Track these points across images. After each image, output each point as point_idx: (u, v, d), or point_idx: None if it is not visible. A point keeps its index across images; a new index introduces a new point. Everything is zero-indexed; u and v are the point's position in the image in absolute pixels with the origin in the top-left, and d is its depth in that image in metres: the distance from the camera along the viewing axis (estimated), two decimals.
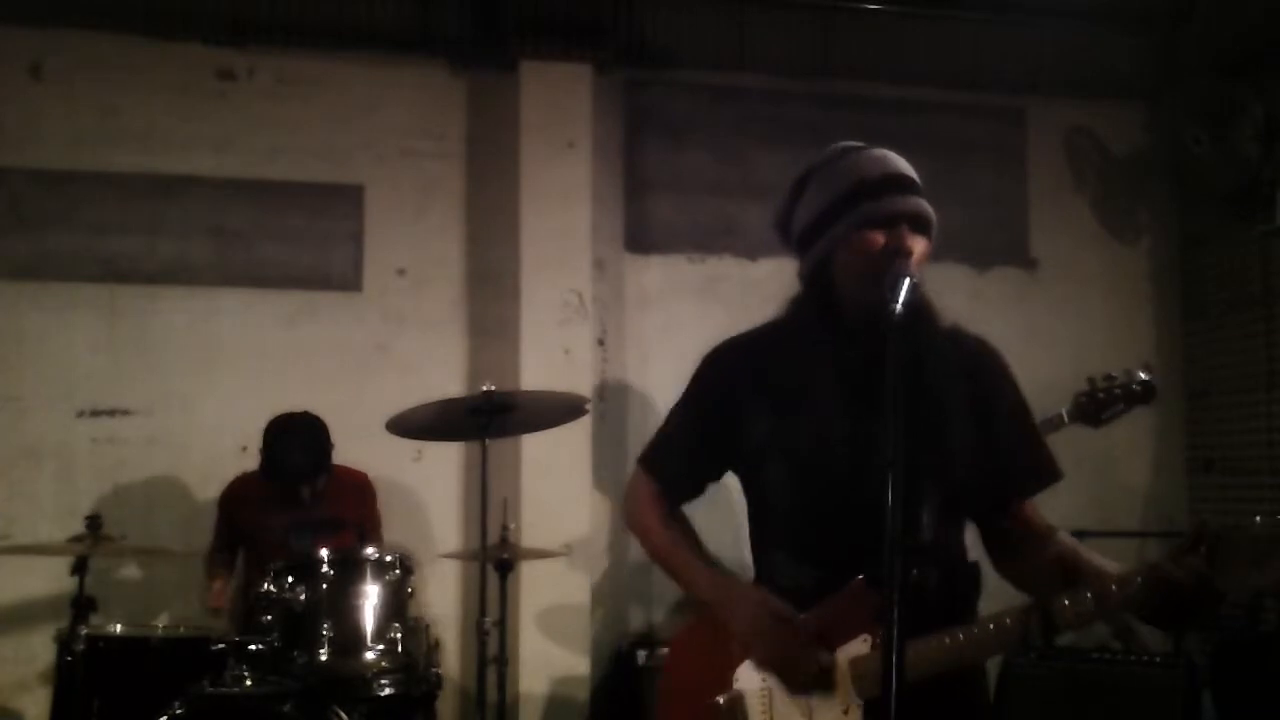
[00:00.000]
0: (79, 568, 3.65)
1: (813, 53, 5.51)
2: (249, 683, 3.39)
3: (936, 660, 1.88)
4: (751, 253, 5.37)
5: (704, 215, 5.45)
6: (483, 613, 3.83)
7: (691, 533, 2.28)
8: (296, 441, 4.21)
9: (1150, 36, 5.79)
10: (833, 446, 2.02)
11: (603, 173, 5.26)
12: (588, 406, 4.16)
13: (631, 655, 4.72)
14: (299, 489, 4.27)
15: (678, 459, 2.25)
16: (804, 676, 1.99)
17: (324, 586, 3.53)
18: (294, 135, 5.11)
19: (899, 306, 1.79)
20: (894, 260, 1.95)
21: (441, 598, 4.97)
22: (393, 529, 4.65)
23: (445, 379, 5.00)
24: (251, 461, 4.58)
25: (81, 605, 3.60)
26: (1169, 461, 5.64)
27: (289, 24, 5.11)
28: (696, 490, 2.28)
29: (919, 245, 2.01)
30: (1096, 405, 3.64)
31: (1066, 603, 1.85)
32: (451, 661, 4.88)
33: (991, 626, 1.91)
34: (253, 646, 3.43)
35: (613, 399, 5.22)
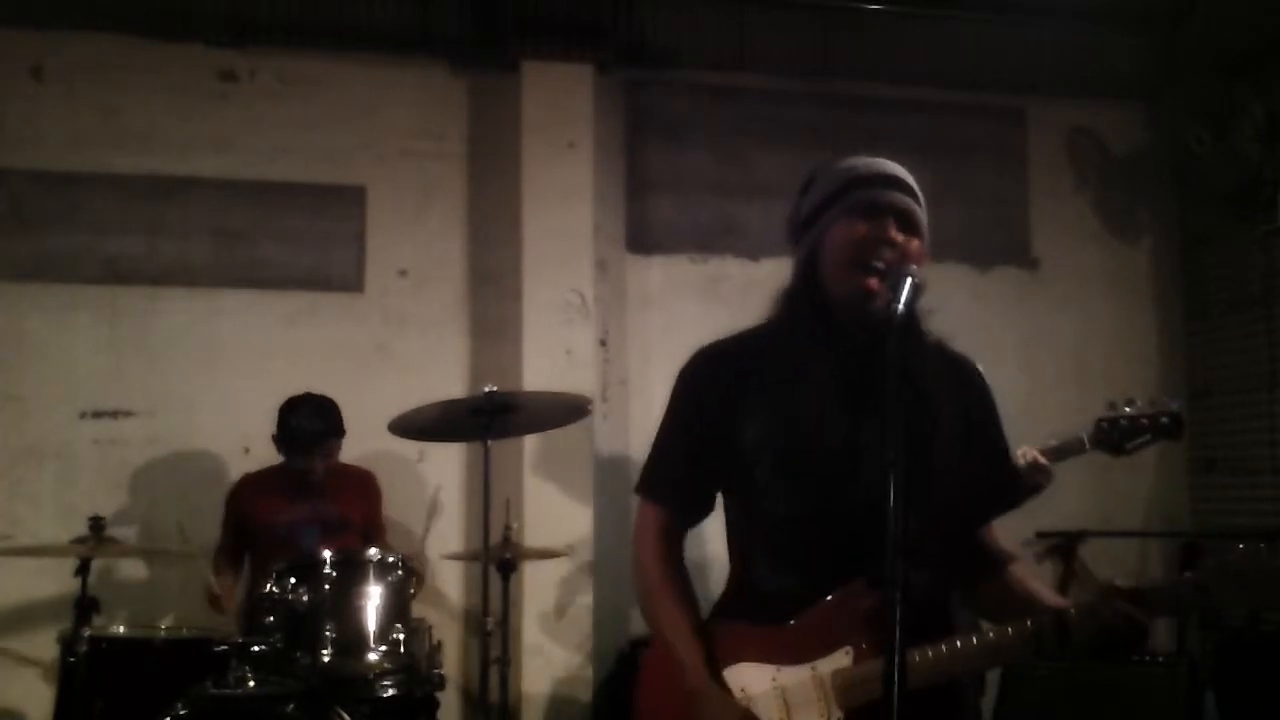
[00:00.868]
0: (82, 569, 3.66)
1: (813, 53, 5.51)
2: (252, 683, 3.39)
3: (928, 672, 1.86)
4: (753, 253, 5.38)
5: (705, 215, 5.46)
6: (485, 613, 3.83)
7: (691, 594, 2.15)
8: (310, 409, 4.33)
9: (1150, 36, 5.79)
10: (822, 447, 2.00)
11: (604, 173, 5.27)
12: (590, 407, 4.16)
13: (634, 656, 4.72)
14: (310, 459, 4.30)
15: (678, 477, 2.15)
16: None
17: (327, 587, 3.52)
18: (295, 136, 5.12)
19: (901, 306, 1.79)
20: (874, 249, 1.97)
21: (444, 598, 4.97)
22: (395, 530, 4.67)
23: (447, 380, 5.01)
24: (255, 462, 4.60)
25: (84, 606, 3.60)
26: (1171, 462, 5.64)
27: (290, 25, 5.11)
28: (705, 506, 2.18)
29: (906, 242, 2.01)
30: (1120, 434, 3.48)
31: (1064, 620, 1.86)
32: (454, 662, 4.88)
33: (986, 640, 1.91)
34: (255, 647, 3.42)
35: (615, 399, 5.22)
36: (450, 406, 3.95)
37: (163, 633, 3.95)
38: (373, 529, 4.48)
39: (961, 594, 2.11)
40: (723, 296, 5.31)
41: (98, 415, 4.85)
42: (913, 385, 1.81)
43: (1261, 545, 1.77)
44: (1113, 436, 3.45)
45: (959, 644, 1.90)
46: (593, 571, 4.93)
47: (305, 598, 3.51)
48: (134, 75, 5.01)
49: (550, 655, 4.86)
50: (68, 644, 3.59)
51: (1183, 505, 5.71)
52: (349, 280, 5.14)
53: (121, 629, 3.82)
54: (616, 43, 5.30)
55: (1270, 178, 5.16)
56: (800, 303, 2.09)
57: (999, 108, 5.77)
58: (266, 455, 4.49)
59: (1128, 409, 3.46)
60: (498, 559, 3.96)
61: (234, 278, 5.03)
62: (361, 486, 4.54)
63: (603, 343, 5.23)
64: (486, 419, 3.86)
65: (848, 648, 1.92)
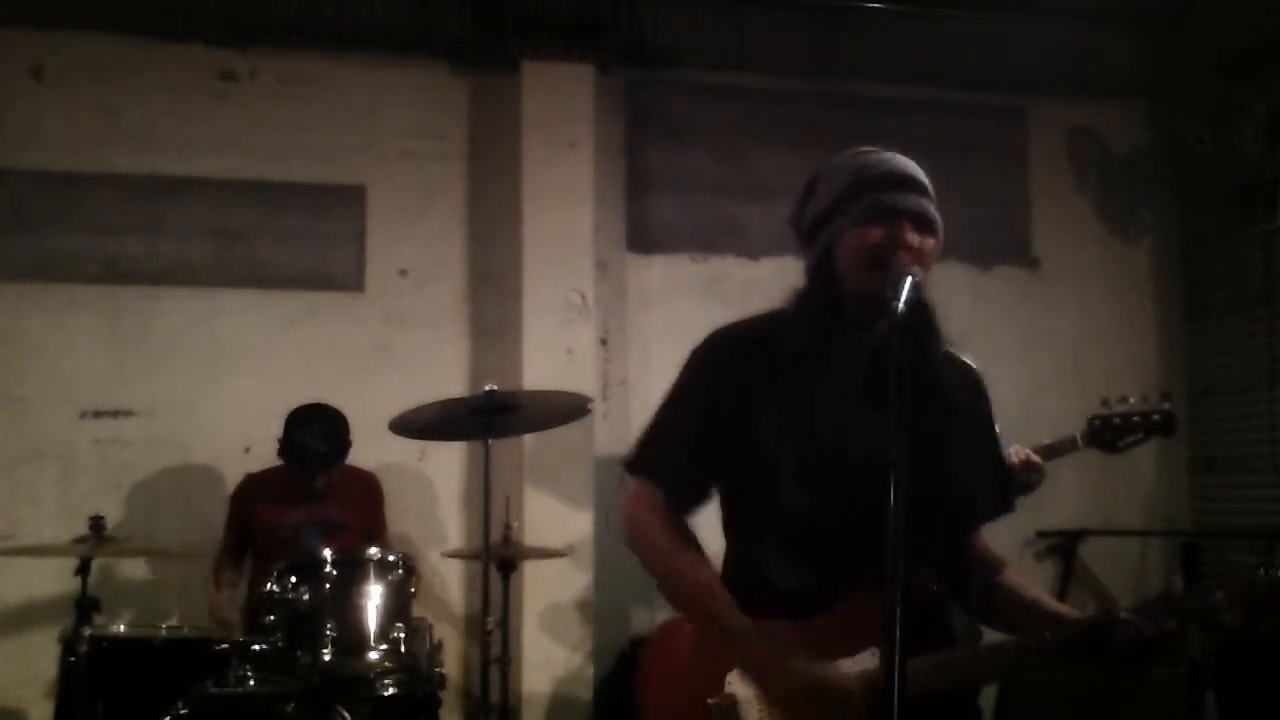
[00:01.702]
0: (82, 569, 3.67)
1: (813, 52, 5.51)
2: (253, 683, 3.38)
3: (938, 677, 1.86)
4: (754, 252, 5.38)
5: (706, 215, 5.46)
6: (485, 612, 3.83)
7: (699, 548, 2.11)
8: (317, 428, 4.32)
9: (1151, 36, 5.80)
10: (835, 445, 1.99)
11: (604, 172, 5.27)
12: (590, 406, 4.16)
13: (634, 654, 4.72)
14: (314, 476, 4.32)
15: (678, 460, 2.11)
16: None
17: (327, 587, 3.52)
18: (295, 136, 5.12)
19: (901, 304, 1.79)
20: (893, 253, 1.96)
21: (445, 598, 4.98)
22: (396, 528, 4.67)
23: (448, 379, 5.01)
24: (255, 462, 4.60)
25: (85, 606, 3.61)
26: (1171, 461, 5.65)
27: (290, 25, 5.11)
28: (702, 494, 2.14)
29: (921, 243, 2.01)
30: (1113, 432, 3.51)
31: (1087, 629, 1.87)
32: (454, 661, 4.88)
33: (996, 648, 1.92)
34: (256, 647, 3.42)
35: (615, 399, 5.23)
36: (450, 406, 3.94)
37: (163, 632, 3.93)
38: (375, 530, 4.49)
39: (959, 599, 2.10)
40: (723, 296, 5.31)
41: (99, 415, 4.86)
42: (920, 385, 1.81)
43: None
44: (1105, 435, 3.47)
45: (987, 649, 1.90)
46: (593, 570, 4.93)
47: (306, 597, 3.51)
48: (134, 75, 5.01)
49: (550, 654, 4.87)
50: (68, 643, 3.59)
51: (1183, 504, 5.71)
52: (350, 280, 5.14)
53: (122, 628, 3.81)
54: (617, 42, 5.30)
55: (1271, 177, 5.16)
56: (817, 302, 2.08)
57: (999, 107, 5.78)
58: (267, 455, 4.49)
59: (1120, 407, 3.48)
60: (498, 558, 3.96)
61: (235, 277, 5.04)
62: (364, 489, 4.55)
63: (603, 342, 5.24)
64: (487, 418, 3.85)
65: (874, 649, 1.91)
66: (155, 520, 4.79)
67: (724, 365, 2.11)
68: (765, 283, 5.22)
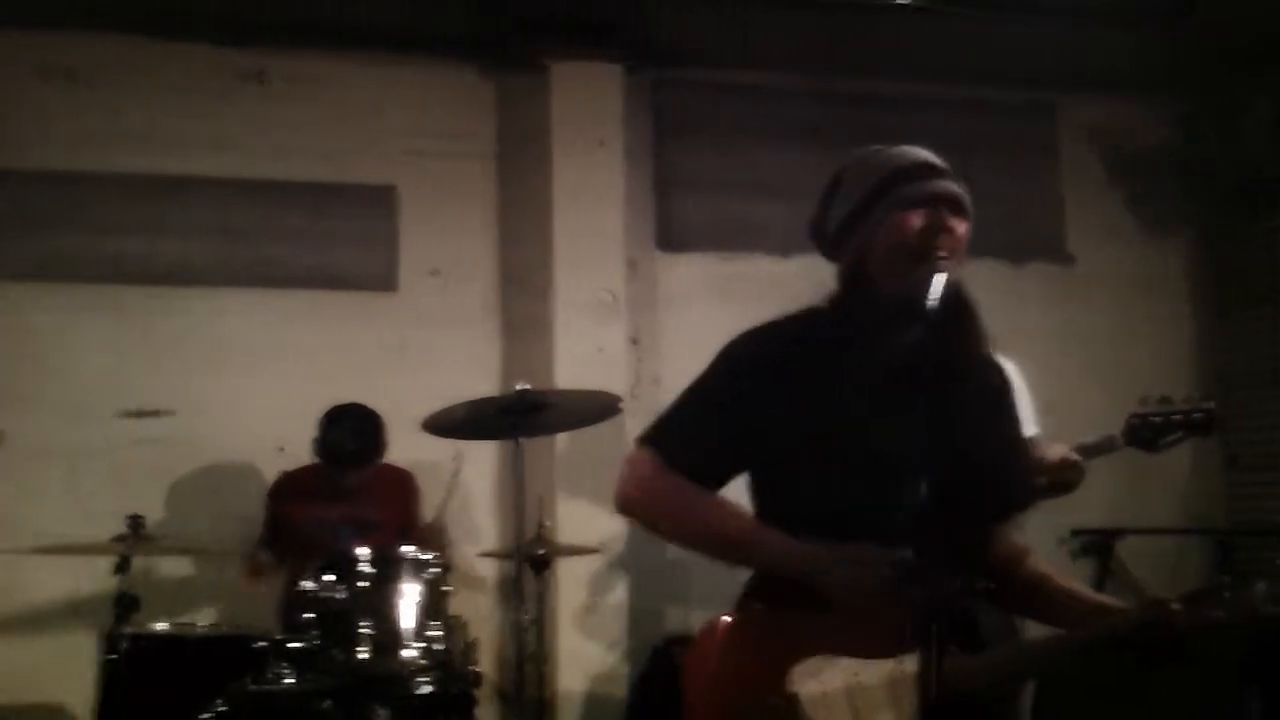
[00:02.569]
0: (121, 567, 3.73)
1: (843, 51, 5.51)
2: (289, 680, 3.42)
3: (983, 676, 1.86)
4: (783, 249, 5.37)
5: (733, 213, 5.46)
6: (520, 610, 3.86)
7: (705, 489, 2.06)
8: (348, 425, 4.37)
9: (1180, 30, 5.75)
10: (865, 443, 1.99)
11: (633, 172, 5.28)
12: (621, 405, 4.17)
13: (669, 653, 4.73)
14: (345, 473, 4.36)
15: (705, 448, 2.08)
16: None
17: (363, 584, 3.55)
18: (328, 138, 5.16)
19: (934, 300, 1.80)
20: (936, 238, 1.98)
21: (479, 596, 5.00)
22: (428, 526, 4.69)
23: (479, 378, 5.02)
24: (290, 461, 4.64)
25: (125, 604, 3.66)
26: (1206, 458, 5.60)
27: (318, 26, 5.15)
28: (716, 484, 2.10)
29: (959, 227, 2.03)
30: (1153, 431, 3.48)
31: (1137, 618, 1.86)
32: (489, 660, 4.90)
33: (1043, 644, 1.92)
34: (293, 644, 3.46)
35: (646, 397, 5.22)
36: (482, 405, 3.96)
37: (202, 630, 3.99)
38: (410, 528, 4.51)
39: (994, 593, 2.08)
40: (753, 293, 5.29)
41: (137, 415, 4.91)
42: (953, 382, 1.81)
43: None
44: (1145, 433, 3.44)
45: (1033, 644, 1.90)
46: (626, 568, 4.94)
47: (342, 595, 3.53)
48: (161, 77, 5.04)
49: (585, 652, 4.88)
50: (109, 641, 3.64)
51: (1218, 502, 5.66)
52: (383, 280, 5.17)
53: (161, 626, 3.86)
54: (644, 42, 5.31)
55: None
56: (852, 300, 2.08)
57: (1029, 103, 5.75)
58: (301, 453, 4.53)
59: (1160, 405, 3.45)
60: (531, 556, 3.97)
61: (269, 278, 5.08)
62: (400, 487, 4.59)
63: (634, 341, 5.25)
64: (518, 417, 3.87)
65: (908, 649, 1.87)
66: (191, 519, 4.82)
67: (754, 361, 2.10)
68: (795, 279, 5.12)
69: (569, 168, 5.13)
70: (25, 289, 4.89)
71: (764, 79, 5.52)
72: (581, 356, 5.00)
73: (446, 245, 5.23)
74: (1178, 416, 3.42)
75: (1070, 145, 5.77)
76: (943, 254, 1.95)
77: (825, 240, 2.17)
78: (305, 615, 3.53)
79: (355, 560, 3.61)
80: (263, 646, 3.47)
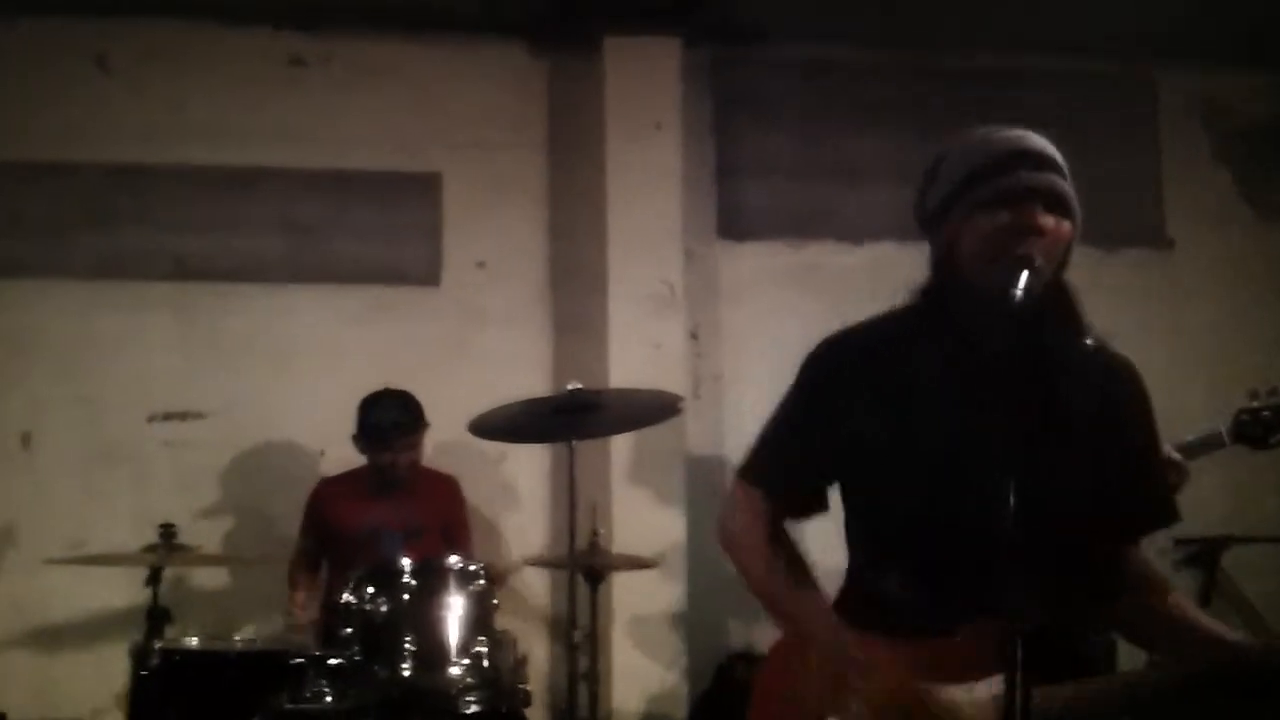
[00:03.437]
0: (153, 578, 3.75)
1: (915, 23, 5.40)
2: (329, 698, 3.43)
3: (1073, 708, 1.82)
4: (855, 236, 5.31)
5: (800, 198, 5.41)
6: (572, 625, 3.84)
7: (801, 561, 2.13)
8: (387, 402, 4.42)
9: None
10: (954, 456, 1.96)
11: (692, 155, 5.24)
12: (681, 404, 4.15)
13: (731, 670, 4.70)
14: (391, 453, 4.38)
15: (786, 465, 2.14)
16: None
17: (406, 597, 3.56)
18: (368, 124, 5.18)
19: (1019, 293, 1.75)
20: (1021, 238, 1.90)
21: (529, 609, 5.00)
22: (476, 535, 4.71)
23: (529, 377, 5.02)
24: (331, 464, 4.68)
25: (156, 617, 3.69)
26: None
27: (362, 8, 5.17)
28: (810, 500, 2.15)
29: (1056, 227, 1.95)
30: (1263, 426, 3.39)
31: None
32: (540, 677, 4.90)
33: (1141, 677, 1.86)
34: (333, 660, 3.47)
35: (707, 396, 5.20)
36: (532, 405, 3.96)
37: (237, 645, 4.02)
38: (456, 536, 4.53)
39: (1102, 618, 2.06)
40: (821, 284, 5.24)
41: (169, 418, 4.97)
42: (1043, 384, 1.76)
43: None
44: (1255, 430, 3.35)
45: (1130, 677, 1.85)
46: (686, 581, 4.91)
47: (384, 607, 3.55)
48: (201, 63, 5.10)
49: (641, 669, 4.86)
50: (139, 656, 3.66)
51: None
52: (425, 273, 5.19)
53: (194, 641, 3.90)
54: (703, 16, 5.26)
55: None
56: (937, 298, 2.05)
57: (1124, 75, 5.63)
58: (343, 457, 4.56)
59: (1270, 398, 3.36)
60: (584, 567, 3.95)
61: (306, 273, 5.12)
62: (444, 491, 4.61)
63: (694, 336, 5.22)
64: (571, 418, 3.87)
65: (996, 675, 1.81)
66: (228, 526, 4.89)
67: (833, 370, 2.11)
68: (865, 269, 5.16)
69: (624, 151, 5.10)
70: (89, 288, 4.99)
71: (832, 55, 5.45)
72: (638, 353, 4.98)
73: (493, 236, 5.23)
74: None
75: (1171, 120, 5.64)
76: (1027, 257, 1.87)
77: (923, 225, 2.14)
78: (345, 629, 3.54)
79: (398, 571, 3.62)
80: (300, 663, 3.48)
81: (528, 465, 5.05)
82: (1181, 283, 5.54)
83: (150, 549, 3.83)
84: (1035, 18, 5.42)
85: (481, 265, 5.22)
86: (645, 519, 4.86)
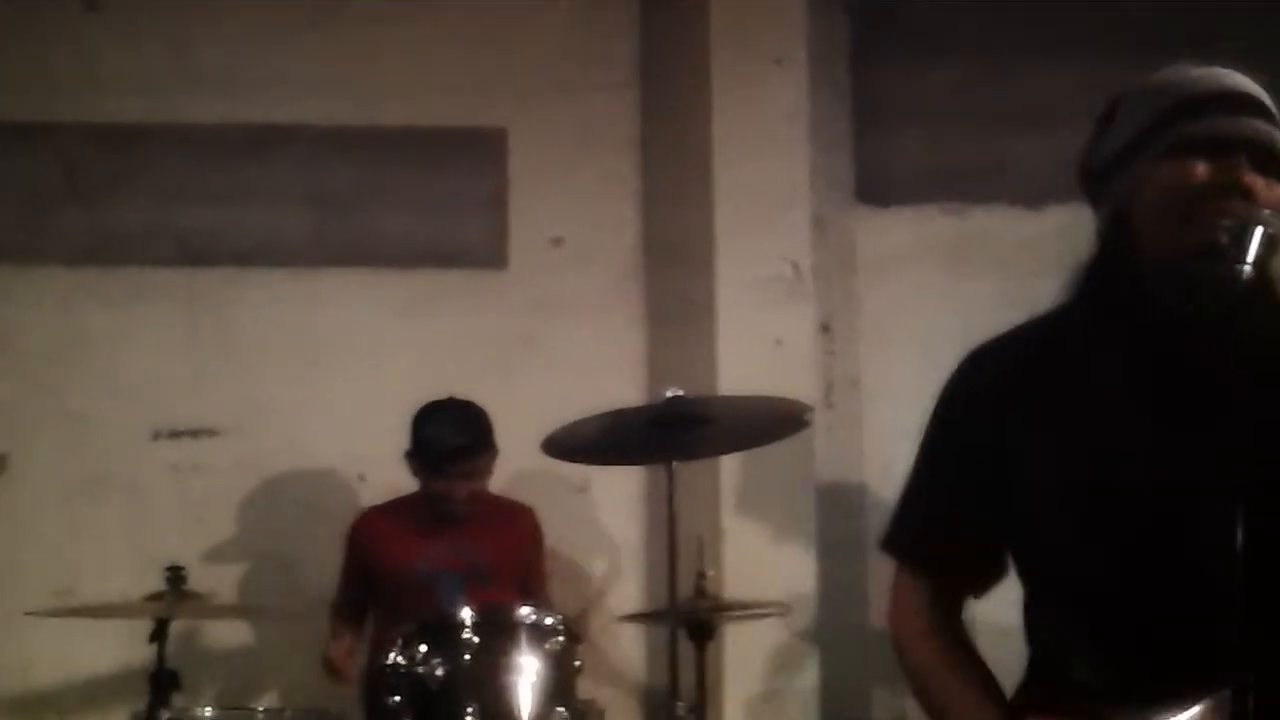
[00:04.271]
0: (158, 633, 3.83)
1: None
2: None
3: None
4: (1032, 200, 5.25)
5: (964, 151, 5.38)
6: (674, 693, 3.86)
7: (987, 671, 2.10)
8: (447, 416, 4.47)
9: None
10: (1139, 483, 1.92)
11: (823, 99, 5.24)
12: (810, 416, 4.15)
13: None
14: (453, 481, 4.42)
15: (931, 530, 2.13)
16: None
17: (467, 657, 3.61)
18: (412, 69, 5.24)
19: (1248, 266, 1.73)
20: (1221, 197, 1.88)
21: (619, 672, 5.03)
22: (553, 581, 4.76)
23: (617, 382, 5.05)
24: (372, 491, 4.74)
25: (162, 680, 3.76)
26: None
27: None
28: (992, 567, 2.13)
29: (1261, 187, 1.91)
30: None
31: None
32: None
33: None
34: None
35: (843, 404, 5.19)
36: (621, 418, 4.00)
37: (259, 715, 4.10)
38: (531, 581, 4.58)
39: None
40: (990, 260, 5.20)
41: (174, 435, 5.05)
42: (1270, 387, 1.74)
43: None
44: None
45: None
46: (816, 637, 4.90)
47: (439, 670, 3.59)
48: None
49: None
50: None
51: None
52: (487, 254, 5.25)
53: (209, 711, 3.98)
54: None
55: None
56: (1106, 278, 2.02)
57: None
58: (387, 482, 4.65)
59: None
60: (689, 620, 3.97)
61: (338, 254, 5.20)
62: (518, 525, 4.66)
63: (825, 328, 5.21)
64: (670, 433, 3.89)
65: None
66: (246, 570, 4.98)
67: (978, 394, 2.10)
68: (1048, 239, 5.08)
69: (734, 96, 5.11)
70: (73, 276, 5.11)
71: None
72: (754, 351, 4.98)
73: (572, 205, 5.28)
74: None
75: None
76: (1225, 222, 1.84)
77: (1089, 183, 2.13)
78: (393, 697, 3.60)
79: (457, 624, 3.66)
80: None
81: (617, 493, 5.07)
82: None
83: (154, 597, 3.91)
84: None
85: (557, 242, 5.27)
86: (765, 560, 4.86)
